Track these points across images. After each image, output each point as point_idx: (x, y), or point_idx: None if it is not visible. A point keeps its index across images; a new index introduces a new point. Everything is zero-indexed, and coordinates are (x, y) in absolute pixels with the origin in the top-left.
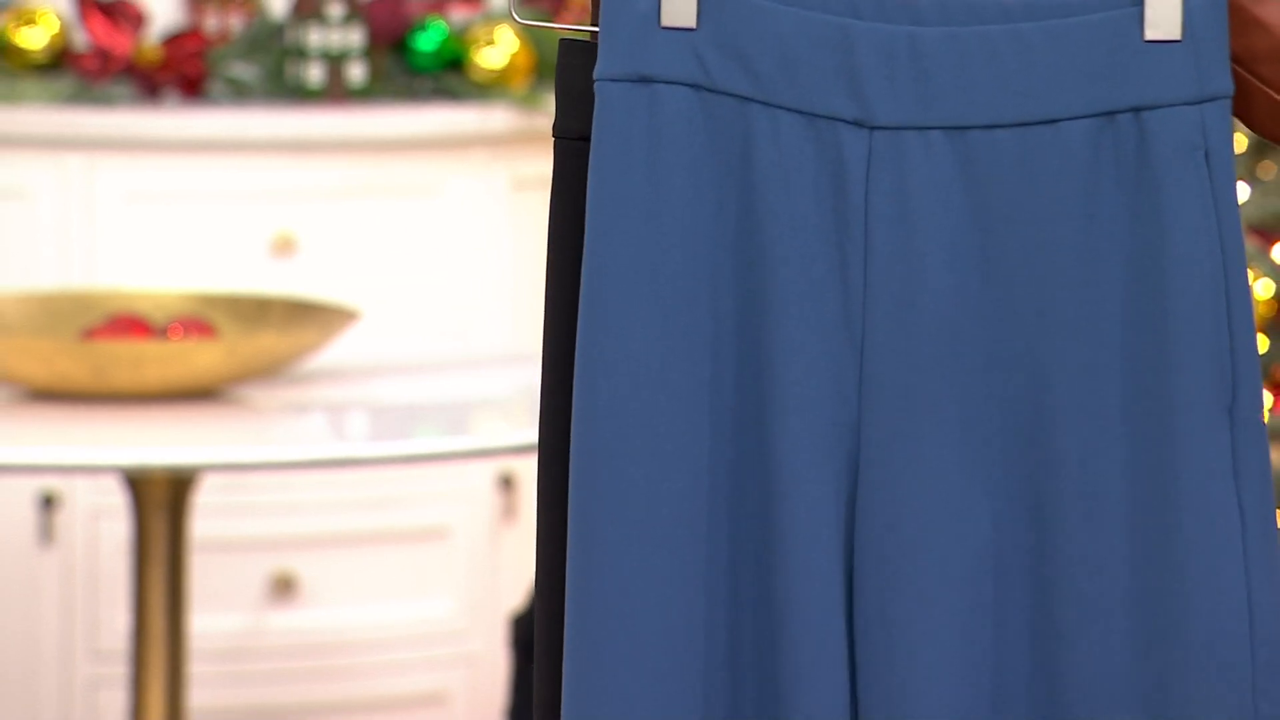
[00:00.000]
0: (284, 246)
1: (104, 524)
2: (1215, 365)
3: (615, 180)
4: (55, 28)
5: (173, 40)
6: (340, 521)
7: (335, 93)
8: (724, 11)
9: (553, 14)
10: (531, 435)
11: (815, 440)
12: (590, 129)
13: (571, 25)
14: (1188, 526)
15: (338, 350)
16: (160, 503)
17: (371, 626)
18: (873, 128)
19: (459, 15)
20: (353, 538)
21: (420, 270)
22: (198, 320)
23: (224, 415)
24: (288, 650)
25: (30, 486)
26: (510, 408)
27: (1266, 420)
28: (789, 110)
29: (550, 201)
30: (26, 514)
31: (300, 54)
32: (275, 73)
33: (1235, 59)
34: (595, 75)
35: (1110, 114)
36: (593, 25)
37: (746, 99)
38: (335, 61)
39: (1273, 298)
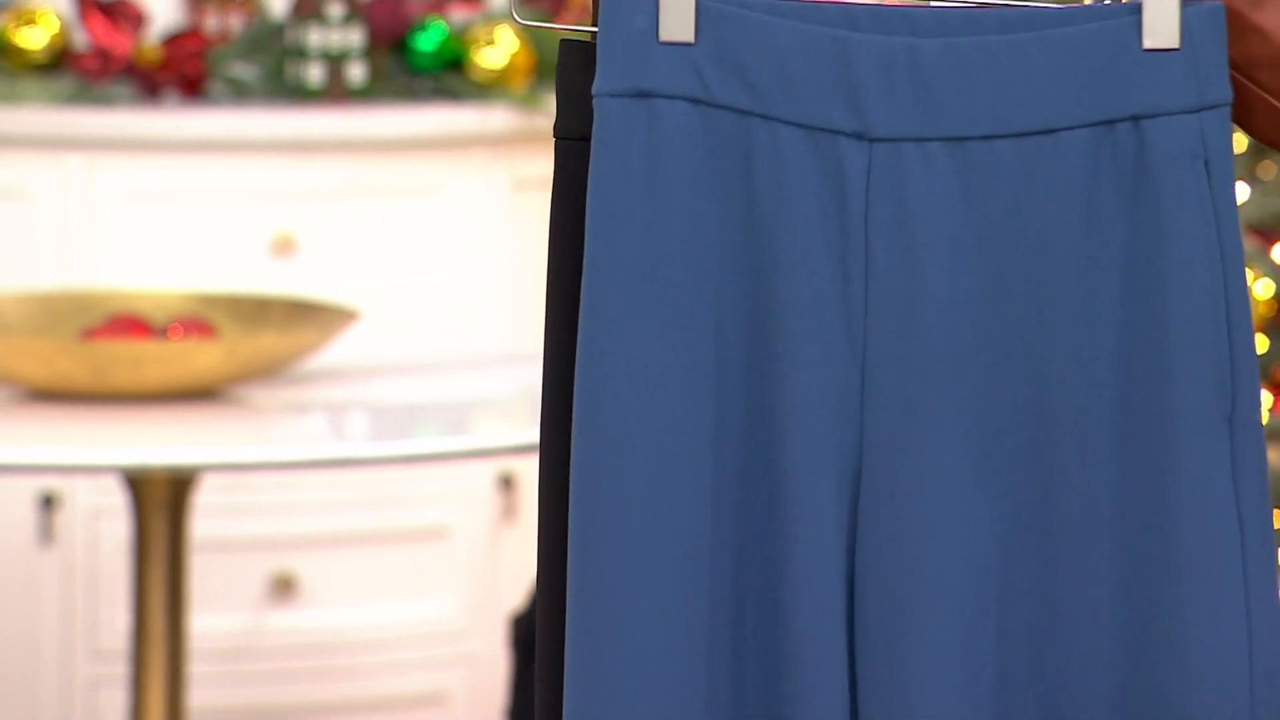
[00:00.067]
0: (284, 246)
1: (104, 524)
2: (1215, 373)
3: (615, 194)
4: (55, 28)
5: (173, 40)
6: (340, 521)
7: (335, 93)
8: (722, 26)
9: (553, 14)
10: (531, 435)
11: (818, 449)
12: (591, 129)
13: (571, 25)
14: (1187, 534)
15: (338, 350)
16: (160, 503)
17: (371, 626)
18: (872, 140)
19: (459, 15)
20: (353, 538)
21: (420, 270)
22: (198, 320)
23: (224, 415)
24: (288, 650)
25: (30, 486)
26: (510, 408)
27: (1266, 421)
28: (788, 123)
29: (551, 202)
30: (26, 514)
31: (300, 54)
32: (275, 73)
33: (1234, 66)
34: (594, 90)
35: (1109, 123)
36: (593, 26)
37: (746, 112)
38: (335, 61)
39: (1272, 298)
